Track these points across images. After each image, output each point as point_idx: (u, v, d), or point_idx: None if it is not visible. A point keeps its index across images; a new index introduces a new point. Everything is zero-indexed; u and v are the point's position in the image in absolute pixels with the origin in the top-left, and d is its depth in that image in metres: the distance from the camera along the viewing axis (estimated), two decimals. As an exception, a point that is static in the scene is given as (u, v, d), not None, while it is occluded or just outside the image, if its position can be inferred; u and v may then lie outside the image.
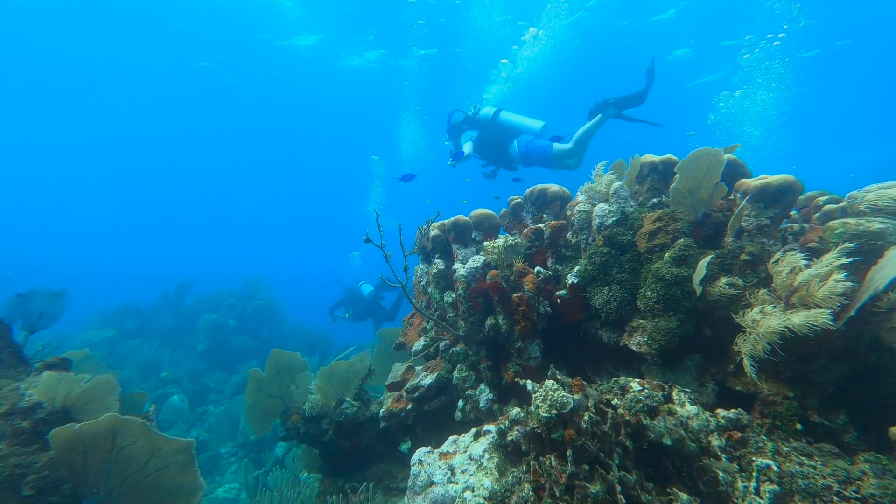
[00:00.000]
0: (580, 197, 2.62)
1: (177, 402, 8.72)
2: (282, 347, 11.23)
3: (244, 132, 20.94)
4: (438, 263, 2.88)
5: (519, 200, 2.98)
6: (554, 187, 2.88)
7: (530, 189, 2.98)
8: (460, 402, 2.62)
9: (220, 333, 10.95)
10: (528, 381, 2.17)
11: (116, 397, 3.06)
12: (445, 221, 2.90)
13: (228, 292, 11.92)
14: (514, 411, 1.92)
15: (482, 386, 2.58)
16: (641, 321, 2.13)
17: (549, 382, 1.89)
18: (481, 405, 2.50)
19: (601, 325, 2.33)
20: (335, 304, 10.12)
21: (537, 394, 1.88)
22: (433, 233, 2.93)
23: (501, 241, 2.62)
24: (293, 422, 3.42)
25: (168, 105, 18.06)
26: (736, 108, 13.12)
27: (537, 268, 2.53)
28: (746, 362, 1.68)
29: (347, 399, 3.36)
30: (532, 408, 1.88)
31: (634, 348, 2.09)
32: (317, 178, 27.59)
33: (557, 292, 2.48)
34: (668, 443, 1.65)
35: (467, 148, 5.59)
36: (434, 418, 2.81)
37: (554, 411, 1.78)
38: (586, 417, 1.80)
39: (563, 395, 1.80)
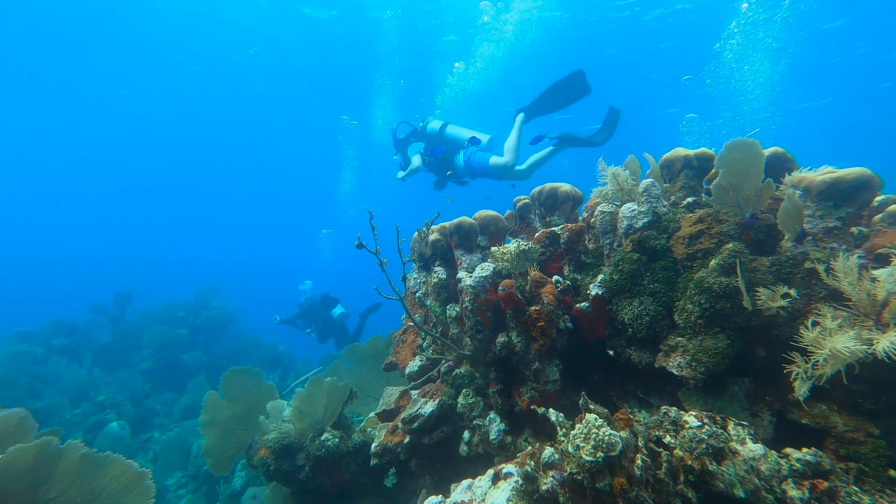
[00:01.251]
0: (596, 198, 2.37)
1: (115, 429, 7.76)
2: (238, 363, 10.36)
3: (184, 110, 18.52)
4: (439, 272, 2.53)
5: (526, 201, 2.69)
6: (565, 187, 2.62)
7: (538, 189, 2.71)
8: (466, 434, 2.27)
9: (170, 349, 9.96)
10: (551, 411, 1.86)
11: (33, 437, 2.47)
12: (447, 224, 2.56)
13: (179, 304, 10.90)
14: (547, 452, 1.60)
15: (492, 414, 2.24)
16: (680, 339, 1.88)
17: (590, 417, 1.58)
18: (492, 437, 2.16)
19: (629, 342, 2.07)
20: (294, 316, 9.48)
21: (577, 430, 1.57)
22: (433, 237, 2.59)
23: (513, 246, 2.32)
24: (262, 457, 2.93)
25: (87, 71, 15.88)
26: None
27: (555, 277, 2.24)
28: (799, 387, 1.45)
29: (328, 428, 2.91)
30: (569, 447, 1.57)
31: (675, 371, 1.83)
32: (277, 162, 25.27)
33: (577, 305, 2.20)
34: (742, 495, 1.38)
35: (416, 161, 5.59)
36: (432, 451, 2.44)
37: (600, 454, 1.47)
38: (638, 461, 1.51)
39: (611, 434, 1.50)
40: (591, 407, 1.71)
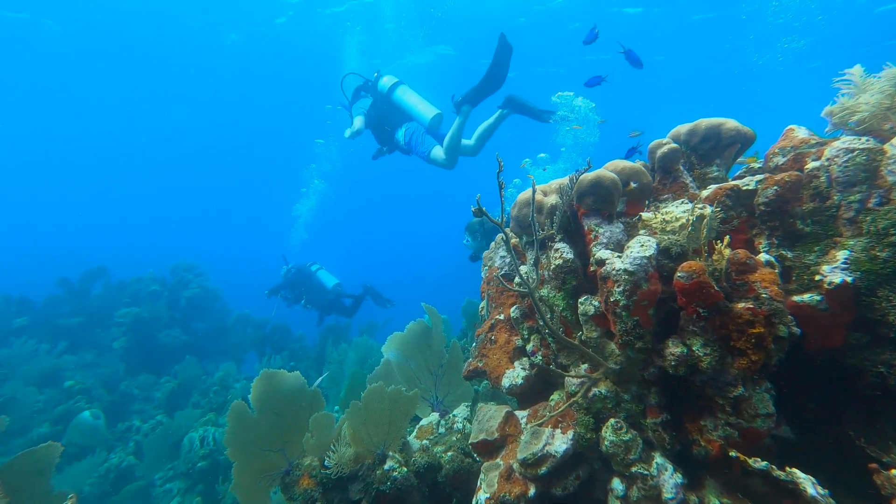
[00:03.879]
0: (800, 132, 1.64)
1: (88, 419, 6.88)
2: (223, 342, 9.45)
3: (158, 80, 17.30)
4: (563, 250, 1.78)
5: (669, 147, 1.92)
6: (730, 122, 1.88)
7: (688, 128, 1.95)
8: (618, 484, 1.60)
9: (144, 327, 8.95)
10: (795, 474, 1.20)
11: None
12: (567, 180, 1.79)
13: (151, 278, 9.78)
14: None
15: (658, 458, 1.57)
16: None
17: None
18: (667, 496, 1.49)
19: None
20: (276, 287, 8.76)
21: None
22: (550, 201, 1.81)
23: (680, 210, 1.59)
24: (305, 489, 2.21)
25: (56, 52, 14.58)
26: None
27: (763, 256, 1.53)
28: None
29: (392, 454, 2.21)
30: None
31: None
32: (252, 129, 23.83)
33: (798, 299, 1.51)
34: None
35: (357, 122, 4.84)
36: None
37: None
38: None
39: None
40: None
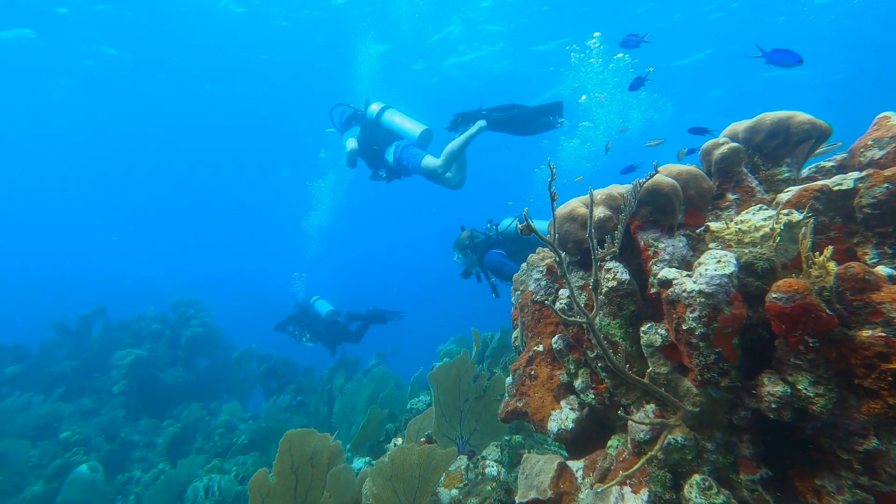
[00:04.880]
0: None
1: (86, 472, 6.49)
2: (228, 378, 9.09)
3: (146, 105, 17.05)
4: (617, 270, 1.50)
5: (731, 147, 1.66)
6: (801, 116, 1.63)
7: (750, 124, 1.70)
8: (715, 555, 1.28)
9: (145, 368, 8.60)
10: None
11: None
12: (618, 191, 1.53)
13: (152, 317, 9.48)
14: None
15: (764, 522, 1.26)
16: None
17: None
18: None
19: None
20: (285, 321, 8.57)
21: None
22: (597, 213, 1.55)
23: (760, 218, 1.33)
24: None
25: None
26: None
27: (885, 270, 1.25)
28: None
29: (422, 520, 1.89)
30: None
31: None
32: (253, 168, 23.81)
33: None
34: None
35: (350, 144, 4.96)
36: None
37: None
38: None
39: None
40: None
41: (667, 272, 1.33)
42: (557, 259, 1.24)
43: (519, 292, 2.06)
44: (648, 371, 1.41)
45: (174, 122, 17.59)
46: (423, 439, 2.38)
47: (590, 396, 1.65)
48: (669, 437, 1.40)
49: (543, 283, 1.92)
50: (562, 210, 1.60)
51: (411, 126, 4.70)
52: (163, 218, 32.50)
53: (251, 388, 10.08)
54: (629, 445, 1.47)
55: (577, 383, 1.66)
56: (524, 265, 2.05)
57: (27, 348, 8.88)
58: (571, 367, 1.71)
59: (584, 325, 1.38)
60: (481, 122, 4.20)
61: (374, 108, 4.95)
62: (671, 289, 1.32)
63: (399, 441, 3.36)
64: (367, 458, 4.41)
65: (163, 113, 16.90)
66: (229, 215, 33.66)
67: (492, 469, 2.52)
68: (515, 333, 2.12)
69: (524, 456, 1.68)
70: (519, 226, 1.16)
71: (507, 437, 4.22)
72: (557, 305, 1.71)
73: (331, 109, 5.47)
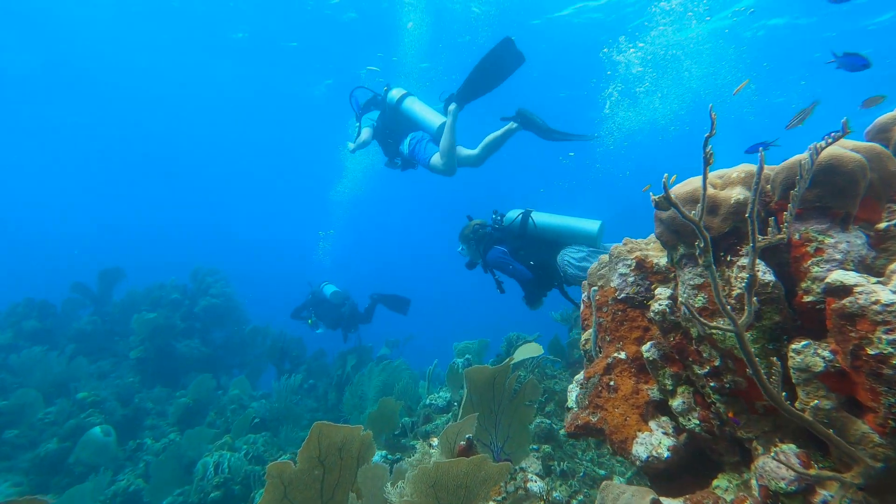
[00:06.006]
0: None
1: (99, 435, 6.46)
2: (241, 354, 8.99)
3: (176, 73, 17.13)
4: (766, 273, 1.18)
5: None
6: None
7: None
8: None
9: (162, 336, 8.58)
10: None
11: None
12: (775, 169, 1.21)
13: (172, 286, 9.47)
14: None
15: None
16: None
17: None
18: None
19: None
20: (300, 307, 8.47)
21: None
22: (734, 195, 1.23)
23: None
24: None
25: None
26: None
27: None
28: None
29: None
30: None
31: None
32: (277, 138, 23.50)
33: None
34: None
35: (365, 134, 4.90)
36: None
37: None
38: None
39: None
40: None
41: (841, 276, 1.02)
42: (702, 243, 0.94)
43: (595, 288, 1.76)
44: (800, 404, 1.10)
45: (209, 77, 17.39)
46: (462, 443, 2.13)
47: (693, 421, 1.35)
48: (822, 493, 1.08)
49: (631, 278, 1.62)
50: (681, 188, 1.29)
51: (432, 117, 4.62)
52: (191, 179, 32.54)
53: (264, 366, 10.05)
54: (755, 493, 1.17)
55: (676, 403, 1.36)
56: (604, 257, 1.74)
57: (53, 306, 8.97)
58: (668, 382, 1.41)
59: (711, 334, 1.07)
60: (452, 107, 4.22)
61: (395, 93, 4.90)
62: (849, 298, 1.01)
63: (434, 443, 3.10)
64: (384, 453, 4.20)
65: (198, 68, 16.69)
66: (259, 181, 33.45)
67: (535, 485, 2.25)
68: (586, 335, 1.82)
69: (603, 484, 1.40)
70: (655, 197, 0.87)
71: (534, 447, 3.95)
72: (655, 307, 1.41)
73: (351, 92, 5.42)
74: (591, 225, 3.49)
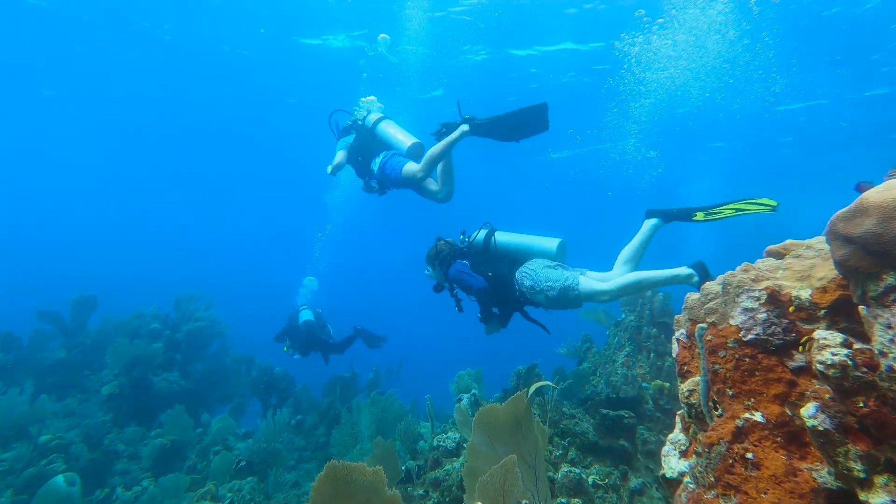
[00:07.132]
0: None
1: (61, 485, 5.74)
2: (223, 386, 8.28)
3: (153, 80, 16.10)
4: None
5: None
6: None
7: None
8: None
9: (140, 369, 7.87)
10: None
11: None
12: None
13: (152, 315, 8.78)
14: None
15: None
16: None
17: None
18: None
19: None
20: (282, 332, 7.94)
21: None
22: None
23: None
24: None
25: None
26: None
27: None
28: None
29: None
30: None
31: None
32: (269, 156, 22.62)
33: None
34: None
35: (339, 157, 4.94)
36: None
37: None
38: None
39: None
40: None
41: None
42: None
43: (705, 326, 1.37)
44: None
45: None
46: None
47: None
48: None
49: (762, 315, 1.24)
50: (885, 196, 0.92)
51: (402, 137, 4.62)
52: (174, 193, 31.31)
53: (248, 400, 9.33)
54: None
55: (880, 501, 0.95)
56: (715, 287, 1.36)
57: (18, 338, 8.19)
58: (856, 466, 1.01)
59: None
60: (464, 127, 4.10)
61: (373, 117, 4.94)
62: None
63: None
64: None
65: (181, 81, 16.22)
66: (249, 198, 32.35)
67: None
68: (688, 385, 1.42)
69: None
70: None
71: (562, 501, 3.47)
72: (826, 358, 1.02)
73: (330, 115, 5.47)
74: (551, 243, 3.54)
